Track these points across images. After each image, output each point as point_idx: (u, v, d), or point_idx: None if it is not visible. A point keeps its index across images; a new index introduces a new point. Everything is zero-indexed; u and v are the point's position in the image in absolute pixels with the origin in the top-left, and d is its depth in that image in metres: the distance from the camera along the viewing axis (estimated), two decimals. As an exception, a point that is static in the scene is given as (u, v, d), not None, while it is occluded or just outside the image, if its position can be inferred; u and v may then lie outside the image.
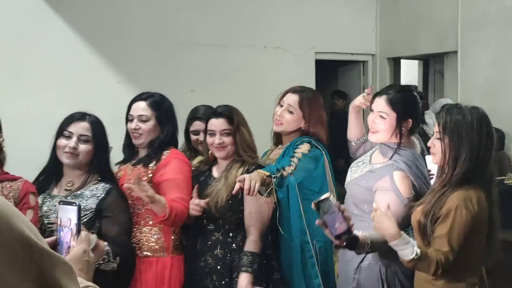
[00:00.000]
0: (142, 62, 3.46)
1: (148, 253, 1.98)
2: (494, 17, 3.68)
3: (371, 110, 1.97)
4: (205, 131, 2.08)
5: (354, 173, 2.01)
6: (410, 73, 5.70)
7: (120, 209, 1.83)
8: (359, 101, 2.18)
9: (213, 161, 2.11)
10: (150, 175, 1.99)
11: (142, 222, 2.00)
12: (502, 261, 1.71)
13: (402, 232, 1.62)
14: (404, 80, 5.18)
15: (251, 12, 3.86)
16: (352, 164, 2.07)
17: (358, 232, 1.63)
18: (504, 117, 3.39)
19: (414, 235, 1.73)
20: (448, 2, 3.93)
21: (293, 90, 2.16)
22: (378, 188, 1.86)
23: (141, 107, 2.07)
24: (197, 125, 2.31)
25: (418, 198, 1.82)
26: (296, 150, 2.02)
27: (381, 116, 1.91)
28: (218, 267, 1.94)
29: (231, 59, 3.78)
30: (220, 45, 3.74)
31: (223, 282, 1.92)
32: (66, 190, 1.90)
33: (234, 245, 1.95)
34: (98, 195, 1.85)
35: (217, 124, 2.00)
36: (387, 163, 1.91)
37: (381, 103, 1.93)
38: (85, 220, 1.82)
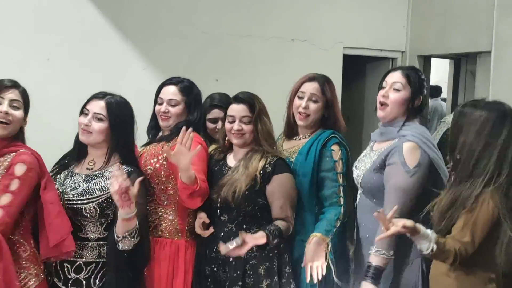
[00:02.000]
0: (169, 50, 3.47)
1: (163, 234, 2.01)
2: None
3: (383, 87, 1.95)
4: (224, 118, 2.08)
5: (363, 167, 1.98)
6: (440, 72, 5.57)
7: (137, 193, 1.85)
8: None
9: (228, 149, 2.09)
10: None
11: (157, 202, 2.03)
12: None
13: (418, 225, 1.60)
14: (433, 79, 5.07)
15: (280, 4, 3.83)
16: (355, 163, 2.05)
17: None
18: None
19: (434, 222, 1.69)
20: (484, 0, 3.80)
21: (309, 79, 2.12)
22: (387, 164, 1.84)
23: (171, 91, 2.10)
24: (215, 113, 2.31)
25: (434, 169, 1.79)
26: (335, 159, 1.99)
27: (396, 89, 1.90)
28: (231, 259, 1.93)
29: (257, 50, 3.76)
30: (247, 35, 3.73)
31: (235, 275, 1.91)
32: (87, 169, 1.94)
33: None
34: None
35: (238, 109, 1.98)
36: (394, 141, 1.89)
37: (396, 75, 1.92)
38: (101, 200, 1.86)
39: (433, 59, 4.59)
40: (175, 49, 3.50)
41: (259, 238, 1.81)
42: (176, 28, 3.52)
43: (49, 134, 2.98)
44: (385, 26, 4.21)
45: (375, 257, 1.79)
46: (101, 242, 1.88)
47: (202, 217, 1.99)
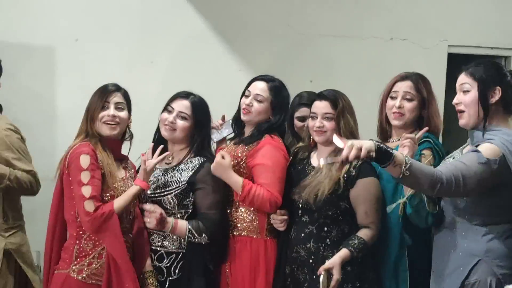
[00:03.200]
0: (264, 51, 3.52)
1: (243, 233, 2.04)
2: None
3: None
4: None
5: None
6: None
7: (212, 182, 1.93)
8: None
9: (313, 147, 2.06)
10: (245, 157, 2.03)
11: (238, 202, 2.06)
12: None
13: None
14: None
15: (376, 1, 3.68)
16: (441, 163, 1.88)
17: (395, 151, 1.55)
18: None
19: None
20: None
21: (402, 78, 2.02)
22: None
23: (260, 87, 2.13)
24: (304, 111, 2.29)
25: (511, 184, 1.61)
26: (422, 161, 1.88)
27: (465, 91, 1.72)
28: (310, 260, 1.92)
29: (353, 51, 3.65)
30: (343, 36, 3.64)
31: (314, 277, 1.89)
32: (166, 163, 2.05)
33: (328, 240, 1.90)
34: (192, 167, 1.98)
35: (320, 106, 1.96)
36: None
37: (461, 77, 1.74)
38: (177, 192, 1.95)
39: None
40: (270, 50, 3.53)
41: (343, 257, 1.82)
42: (271, 29, 3.55)
43: (152, 132, 3.18)
44: (497, 21, 3.84)
45: None
46: None
47: (283, 213, 1.98)
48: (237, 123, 2.21)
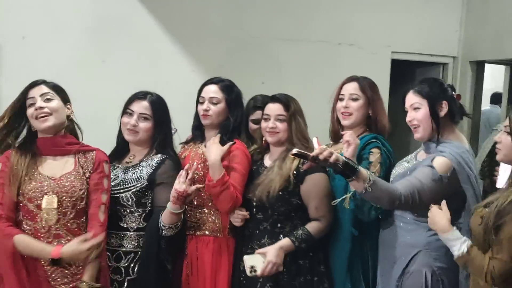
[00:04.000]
0: (217, 52, 3.56)
1: (207, 232, 2.07)
2: None
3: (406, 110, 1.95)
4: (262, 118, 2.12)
5: (398, 171, 1.96)
6: (493, 79, 5.35)
7: (172, 179, 1.94)
8: None
9: (266, 149, 2.13)
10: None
11: (203, 203, 2.10)
12: None
13: (454, 227, 1.57)
14: (488, 86, 4.87)
15: (327, 7, 3.82)
16: (397, 164, 2.03)
17: (360, 167, 1.67)
18: None
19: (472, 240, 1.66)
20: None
21: (347, 80, 2.15)
22: (416, 168, 1.83)
23: (212, 90, 2.17)
24: (258, 114, 2.35)
25: (459, 192, 1.77)
26: (370, 160, 2.00)
27: (416, 108, 1.88)
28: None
29: (303, 54, 3.77)
30: (293, 39, 3.75)
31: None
32: (126, 162, 2.05)
33: (281, 235, 1.97)
34: (152, 165, 1.99)
35: (273, 108, 2.04)
36: (430, 155, 1.86)
37: (410, 97, 1.91)
38: (136, 189, 1.96)
39: (487, 65, 4.42)
40: (222, 52, 3.58)
41: (283, 245, 1.87)
42: (224, 31, 3.60)
43: (103, 132, 3.13)
44: (436, 30, 4.10)
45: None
46: (140, 233, 1.98)
47: (244, 211, 2.03)
48: (198, 129, 2.24)
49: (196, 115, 2.23)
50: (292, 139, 2.01)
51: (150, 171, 1.99)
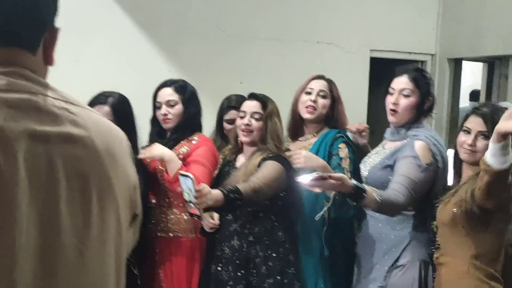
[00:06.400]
0: (194, 52, 3.52)
1: (179, 234, 2.03)
2: None
3: (390, 93, 1.94)
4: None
5: (371, 163, 1.96)
6: (473, 76, 5.41)
7: None
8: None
9: (240, 149, 2.10)
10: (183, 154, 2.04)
11: (173, 204, 2.05)
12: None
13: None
14: (465, 83, 4.92)
15: (305, 6, 3.81)
16: (364, 159, 2.03)
17: (366, 186, 1.65)
18: None
19: (440, 233, 1.66)
20: (518, 2, 3.68)
21: (316, 77, 2.17)
22: (397, 159, 1.82)
23: (167, 93, 2.14)
24: (232, 114, 2.33)
25: (440, 173, 1.79)
26: (341, 156, 2.00)
27: (405, 95, 1.88)
28: (234, 258, 1.94)
29: (282, 53, 3.76)
30: (272, 39, 3.73)
31: (239, 274, 1.92)
32: None
33: (251, 236, 1.94)
34: None
35: (250, 105, 2.01)
36: (405, 140, 1.87)
37: (403, 81, 1.90)
38: None
39: (465, 62, 4.46)
40: (200, 52, 3.54)
41: (216, 197, 1.72)
42: (202, 30, 3.56)
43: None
44: (414, 28, 4.12)
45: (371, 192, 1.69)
46: None
47: (215, 223, 1.96)
48: (160, 133, 2.19)
49: (154, 121, 2.19)
50: (266, 139, 1.97)
51: None
